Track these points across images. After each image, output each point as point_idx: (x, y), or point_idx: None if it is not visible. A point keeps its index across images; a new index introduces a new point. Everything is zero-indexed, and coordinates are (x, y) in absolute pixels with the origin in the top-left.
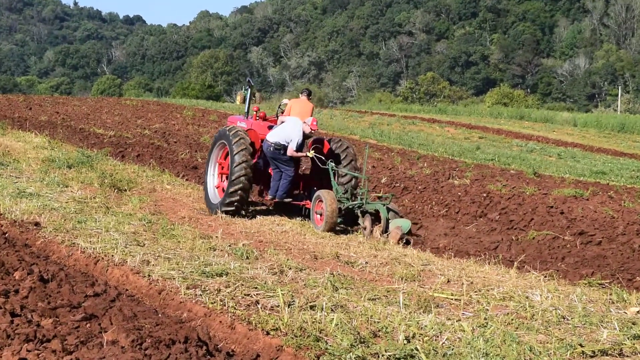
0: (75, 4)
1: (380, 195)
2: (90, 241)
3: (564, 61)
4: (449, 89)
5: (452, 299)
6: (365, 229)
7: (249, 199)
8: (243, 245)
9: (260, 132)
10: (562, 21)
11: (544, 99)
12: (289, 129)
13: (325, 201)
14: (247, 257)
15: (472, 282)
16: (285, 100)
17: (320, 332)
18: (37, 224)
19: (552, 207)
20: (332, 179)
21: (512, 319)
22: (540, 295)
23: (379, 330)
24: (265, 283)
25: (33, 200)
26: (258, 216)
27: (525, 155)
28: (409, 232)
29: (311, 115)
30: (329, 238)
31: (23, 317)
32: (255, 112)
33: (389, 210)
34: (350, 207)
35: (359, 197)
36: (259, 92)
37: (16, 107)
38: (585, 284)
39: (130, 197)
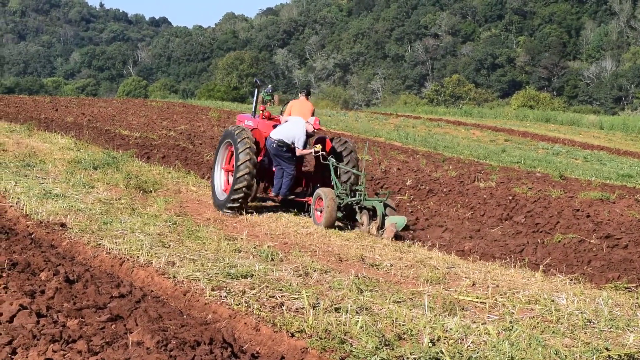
0: (102, 5)
1: (378, 192)
2: (116, 242)
3: (590, 64)
4: (475, 91)
5: (477, 302)
6: (362, 224)
7: (258, 196)
8: (268, 247)
9: (265, 130)
10: (589, 23)
11: (570, 102)
12: (293, 128)
13: (325, 199)
14: (272, 259)
15: (497, 285)
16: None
17: (345, 335)
18: (63, 224)
19: (578, 210)
20: (332, 175)
21: (538, 323)
22: (566, 298)
23: (404, 333)
24: (290, 285)
25: (59, 201)
26: (283, 218)
27: (551, 158)
28: (405, 228)
29: (312, 115)
30: (353, 240)
31: (49, 317)
32: (261, 112)
33: (386, 206)
34: (349, 203)
35: (357, 194)
36: (277, 93)
37: (42, 108)
38: (612, 287)
39: (156, 199)
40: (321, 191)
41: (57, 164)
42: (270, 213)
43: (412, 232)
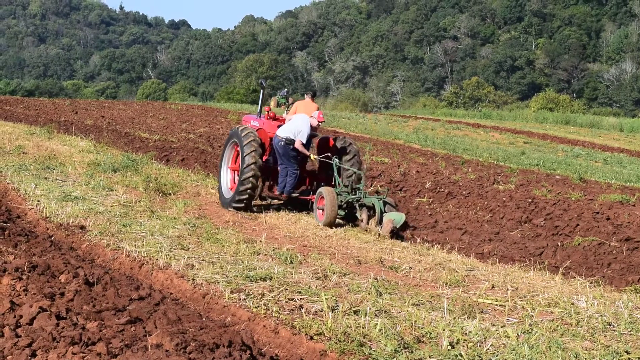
0: (121, 8)
1: (377, 190)
2: (135, 245)
3: (610, 66)
4: (494, 93)
5: (496, 305)
6: (362, 221)
7: (263, 195)
8: (287, 249)
9: (270, 131)
10: (609, 25)
11: (590, 104)
12: (298, 122)
13: (327, 198)
14: (291, 262)
15: (516, 288)
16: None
17: (364, 337)
18: (82, 227)
19: (597, 212)
20: (335, 174)
21: (558, 326)
22: (586, 301)
23: (423, 336)
24: (309, 287)
25: (79, 204)
26: (302, 220)
27: (571, 161)
28: (404, 225)
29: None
30: (372, 243)
31: (68, 320)
32: (266, 112)
33: (385, 204)
34: (349, 200)
35: (357, 192)
36: (292, 96)
37: (62, 111)
38: (632, 290)
39: (175, 201)
40: (323, 190)
41: (77, 167)
42: (290, 216)
43: (411, 229)
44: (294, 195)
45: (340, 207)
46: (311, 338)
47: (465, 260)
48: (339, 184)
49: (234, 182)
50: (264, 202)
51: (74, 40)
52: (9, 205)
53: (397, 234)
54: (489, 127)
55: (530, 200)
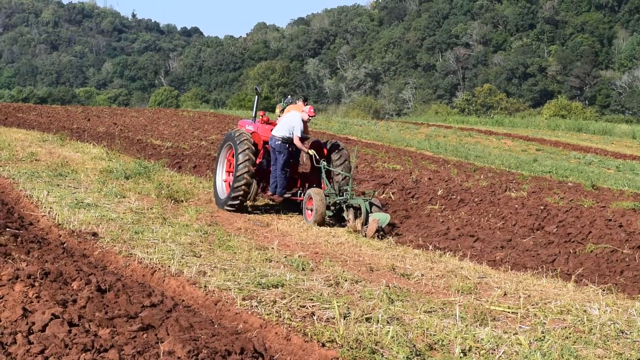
0: (134, 15)
1: (364, 192)
2: (147, 252)
3: (622, 73)
4: (506, 100)
5: (508, 312)
6: (349, 221)
7: (257, 198)
8: (299, 256)
9: (264, 134)
10: (621, 33)
11: (603, 111)
12: (290, 118)
13: (315, 198)
14: (303, 269)
15: (529, 295)
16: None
17: (376, 345)
18: (94, 234)
19: (610, 220)
20: (323, 176)
21: (570, 333)
22: (599, 309)
23: (435, 343)
24: (321, 295)
25: (91, 211)
26: (314, 228)
27: (583, 168)
28: (390, 225)
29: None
30: (384, 250)
31: (81, 327)
32: (261, 117)
33: (371, 205)
34: (337, 201)
35: (345, 194)
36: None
37: (75, 118)
38: None
39: (187, 208)
40: (312, 191)
41: (89, 174)
42: (302, 223)
43: (393, 227)
44: (286, 196)
45: (328, 207)
46: (323, 345)
47: (477, 268)
48: (327, 186)
49: (229, 184)
50: (257, 203)
51: (87, 48)
52: (22, 212)
53: (381, 232)
54: (501, 134)
55: (542, 207)
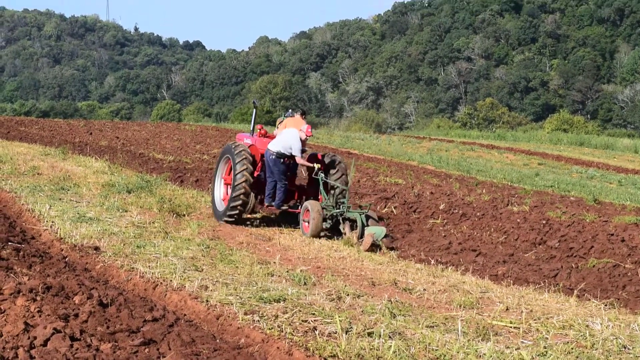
0: (136, 29)
1: (361, 205)
2: (149, 266)
3: (624, 87)
4: (508, 114)
5: (511, 327)
6: (345, 233)
7: (255, 211)
8: (301, 271)
9: (261, 147)
10: (623, 47)
11: (605, 125)
12: (288, 137)
13: (312, 211)
14: (305, 283)
15: (531, 310)
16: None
17: (378, 359)
18: (96, 248)
19: (612, 234)
20: (321, 189)
21: (572, 348)
22: (601, 324)
23: (437, 358)
24: (322, 309)
25: (93, 225)
26: (316, 242)
27: (586, 182)
28: (389, 238)
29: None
30: (386, 265)
31: (82, 341)
32: (258, 130)
33: (368, 218)
34: (333, 214)
35: (341, 206)
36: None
37: (77, 132)
38: None
39: (189, 222)
40: (308, 203)
41: (91, 188)
42: (304, 237)
43: (391, 239)
44: (284, 208)
45: (325, 220)
46: None
47: (479, 282)
48: (324, 198)
49: (227, 195)
50: (256, 215)
51: (89, 61)
52: (24, 226)
53: (377, 245)
54: (503, 148)
55: (544, 221)
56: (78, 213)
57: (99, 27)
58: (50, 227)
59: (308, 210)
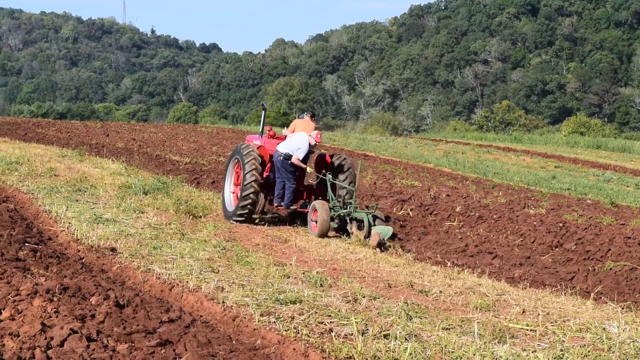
0: (153, 32)
1: (368, 205)
2: (166, 267)
3: None
4: (525, 117)
5: (527, 330)
6: (352, 233)
7: (265, 210)
8: (317, 272)
9: (270, 148)
10: None
11: (622, 128)
12: (297, 140)
13: (319, 211)
14: (321, 285)
15: (547, 313)
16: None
17: None
18: (113, 249)
19: (629, 237)
20: (328, 189)
21: (589, 351)
22: (618, 327)
23: None
24: (339, 311)
25: (109, 226)
26: (332, 244)
27: (602, 185)
28: (392, 237)
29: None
30: (402, 267)
31: (99, 342)
32: (268, 132)
33: (375, 218)
34: (341, 214)
35: (349, 207)
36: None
37: (94, 133)
38: None
39: (205, 224)
40: (316, 203)
41: (108, 189)
42: (319, 239)
43: (400, 241)
44: (292, 207)
45: (332, 219)
46: None
47: (495, 285)
48: (332, 199)
49: (236, 196)
50: (266, 216)
51: (106, 64)
52: (41, 227)
53: (383, 244)
54: (519, 151)
55: (561, 224)
56: (95, 214)
57: (116, 30)
58: (67, 228)
59: (316, 210)
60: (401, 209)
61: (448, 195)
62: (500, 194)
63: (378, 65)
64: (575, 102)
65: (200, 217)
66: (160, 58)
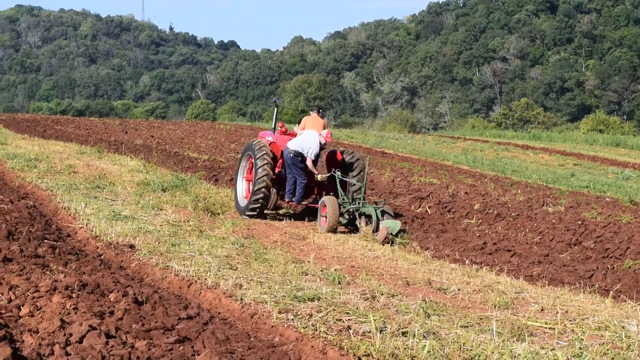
0: (171, 29)
1: (376, 201)
2: (184, 264)
3: None
4: (543, 115)
5: (546, 328)
6: (361, 228)
7: (279, 204)
8: (335, 270)
9: (282, 144)
10: None
11: None
12: (307, 139)
13: (328, 206)
14: (339, 282)
15: (566, 311)
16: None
17: (412, 359)
18: (131, 246)
19: None
20: (337, 186)
21: (608, 349)
22: (637, 325)
23: (472, 358)
24: (357, 308)
25: (128, 223)
26: (350, 241)
27: (621, 183)
28: (400, 232)
29: (324, 129)
30: (421, 264)
31: (118, 338)
32: (279, 128)
33: (383, 212)
34: (350, 210)
35: (357, 202)
36: (327, 119)
37: (112, 130)
38: None
39: (224, 221)
40: (325, 199)
41: (127, 186)
42: (338, 236)
43: (406, 234)
44: (304, 203)
45: (342, 215)
46: (359, 359)
47: (514, 283)
48: (341, 195)
49: (249, 192)
50: (279, 211)
51: (124, 61)
52: (60, 224)
53: (391, 240)
54: (538, 149)
55: (580, 222)
56: (113, 211)
57: (134, 27)
58: (86, 225)
59: (325, 205)
60: (419, 207)
61: (466, 192)
62: (519, 191)
63: (396, 63)
64: (594, 99)
65: (219, 214)
66: (179, 55)
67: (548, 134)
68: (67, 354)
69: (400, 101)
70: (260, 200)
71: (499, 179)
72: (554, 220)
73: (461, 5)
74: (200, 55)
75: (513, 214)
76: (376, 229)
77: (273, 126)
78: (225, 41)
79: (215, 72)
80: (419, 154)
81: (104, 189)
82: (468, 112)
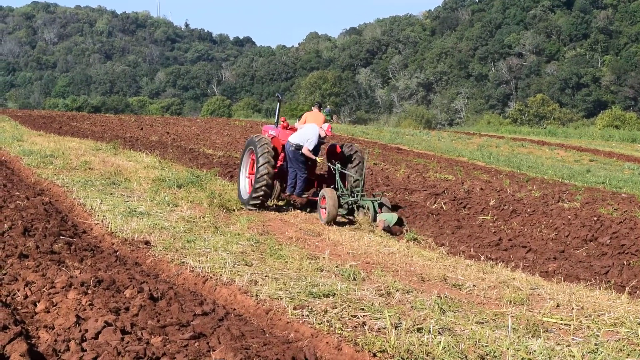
0: (187, 25)
1: (374, 193)
2: (199, 260)
3: None
4: (559, 111)
5: (561, 324)
6: (358, 220)
7: (282, 197)
8: (350, 266)
9: (284, 139)
10: None
11: None
12: (308, 132)
13: (327, 198)
14: (354, 279)
15: (582, 307)
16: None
17: (427, 355)
18: (147, 242)
19: None
20: (337, 178)
21: (624, 346)
22: None
23: (487, 354)
24: (372, 304)
25: (143, 219)
26: (365, 237)
27: (638, 179)
28: (398, 222)
29: (324, 123)
30: (436, 260)
31: (133, 334)
32: (282, 123)
33: (381, 205)
34: (348, 202)
35: (355, 194)
36: (336, 115)
37: (128, 127)
38: None
39: (239, 217)
40: (325, 191)
41: (142, 183)
42: (353, 232)
43: (405, 227)
44: (304, 196)
45: (340, 206)
46: (374, 355)
47: (529, 279)
48: (340, 187)
49: (251, 184)
50: (280, 202)
51: (140, 57)
52: (75, 221)
53: (389, 230)
54: (554, 145)
55: (595, 218)
56: (129, 207)
57: (150, 24)
58: (102, 221)
59: (324, 197)
60: (435, 203)
61: (482, 189)
62: (535, 187)
63: (412, 59)
64: (610, 95)
65: (234, 210)
66: (194, 52)
67: (564, 130)
68: (83, 350)
69: (416, 97)
70: (262, 193)
71: (514, 175)
72: (569, 216)
73: (477, 1)
74: (216, 51)
75: (528, 210)
76: (374, 220)
77: (276, 120)
78: (241, 37)
79: (231, 68)
80: (434, 150)
81: (119, 185)
82: (483, 108)
